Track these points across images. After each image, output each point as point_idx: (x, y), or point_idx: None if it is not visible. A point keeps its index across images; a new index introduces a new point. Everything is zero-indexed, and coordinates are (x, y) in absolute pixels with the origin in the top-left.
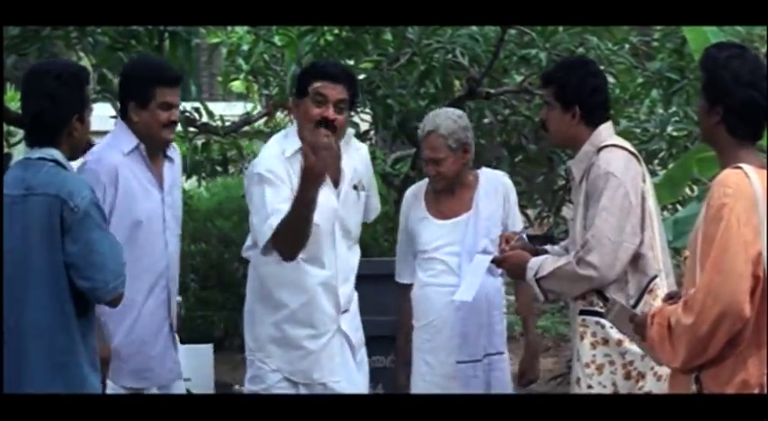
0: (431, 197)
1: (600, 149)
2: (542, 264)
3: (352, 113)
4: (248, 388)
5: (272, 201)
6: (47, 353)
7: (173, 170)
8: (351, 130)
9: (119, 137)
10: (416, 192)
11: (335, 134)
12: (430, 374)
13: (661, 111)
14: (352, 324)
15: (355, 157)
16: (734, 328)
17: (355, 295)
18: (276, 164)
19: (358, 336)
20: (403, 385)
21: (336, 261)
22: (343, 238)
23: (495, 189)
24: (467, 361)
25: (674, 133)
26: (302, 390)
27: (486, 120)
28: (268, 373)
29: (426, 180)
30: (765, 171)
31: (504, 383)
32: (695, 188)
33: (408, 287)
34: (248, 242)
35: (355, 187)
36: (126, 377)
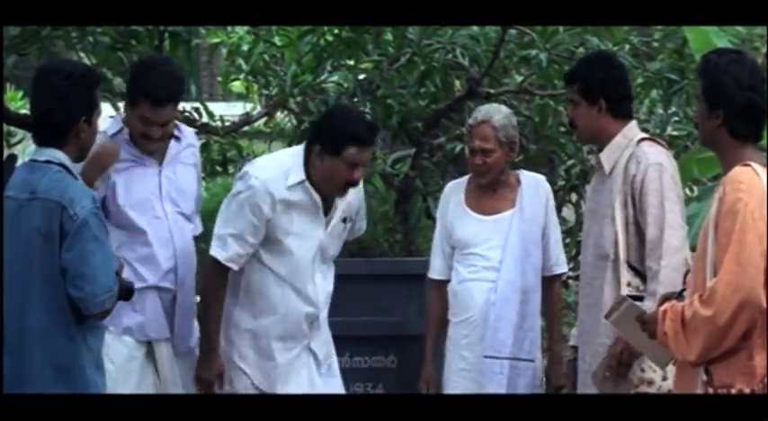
0: (472, 194)
1: (639, 141)
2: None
3: None
4: (225, 388)
5: (235, 228)
6: (49, 357)
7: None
8: None
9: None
10: (456, 187)
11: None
12: (467, 370)
13: (661, 111)
14: (320, 339)
15: (351, 191)
16: (752, 319)
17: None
18: (267, 199)
19: (325, 350)
20: (427, 383)
21: (318, 294)
22: (321, 264)
23: (537, 191)
24: (492, 356)
25: (674, 133)
26: None
27: None
28: (241, 376)
29: (466, 177)
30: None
31: (527, 391)
32: (695, 188)
33: (441, 283)
34: None
35: (344, 220)
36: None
